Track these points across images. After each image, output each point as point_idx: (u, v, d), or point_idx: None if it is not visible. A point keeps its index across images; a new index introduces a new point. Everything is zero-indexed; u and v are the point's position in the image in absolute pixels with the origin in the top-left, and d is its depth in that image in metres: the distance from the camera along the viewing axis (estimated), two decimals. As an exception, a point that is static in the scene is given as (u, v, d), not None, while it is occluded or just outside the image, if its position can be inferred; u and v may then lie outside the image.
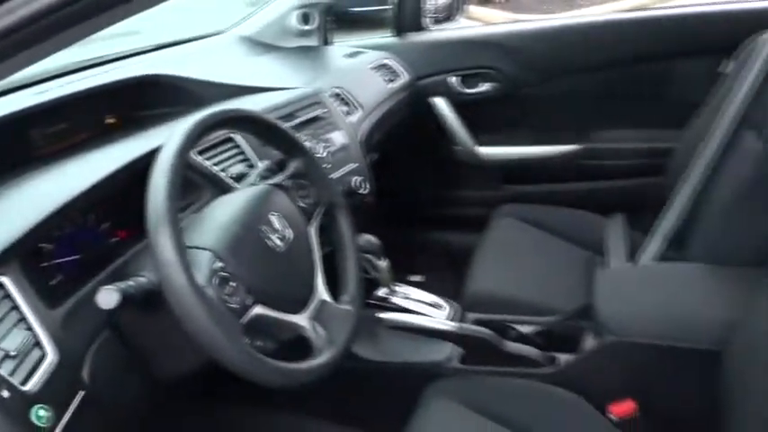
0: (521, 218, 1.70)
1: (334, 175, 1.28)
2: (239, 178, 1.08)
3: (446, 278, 1.90)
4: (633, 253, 1.47)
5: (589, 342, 1.19)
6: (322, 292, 0.91)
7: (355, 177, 1.31)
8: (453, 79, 1.92)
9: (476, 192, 1.98)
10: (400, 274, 1.94)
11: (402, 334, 1.24)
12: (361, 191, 1.31)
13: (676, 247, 1.31)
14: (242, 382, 1.28)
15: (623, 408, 1.07)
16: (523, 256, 1.55)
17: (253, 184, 0.99)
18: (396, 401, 1.18)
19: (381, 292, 1.33)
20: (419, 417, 1.08)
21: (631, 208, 1.71)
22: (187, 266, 0.70)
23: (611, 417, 1.08)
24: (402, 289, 1.35)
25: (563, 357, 1.17)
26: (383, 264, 1.29)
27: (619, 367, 1.09)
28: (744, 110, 1.29)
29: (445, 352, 1.22)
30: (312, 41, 1.90)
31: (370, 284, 1.32)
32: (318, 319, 0.88)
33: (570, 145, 1.88)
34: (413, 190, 2.05)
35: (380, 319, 1.21)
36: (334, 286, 0.97)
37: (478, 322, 1.32)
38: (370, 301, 1.32)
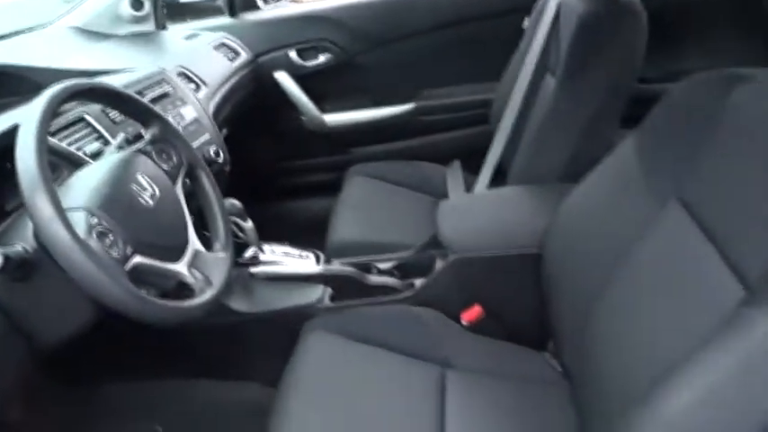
0: (370, 175, 1.86)
1: (190, 147, 1.34)
2: (95, 155, 1.12)
3: (309, 243, 2.02)
4: (469, 189, 1.68)
5: (439, 265, 1.37)
6: (195, 242, 0.99)
7: (210, 147, 1.38)
8: (292, 53, 2.03)
9: (327, 158, 2.12)
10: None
11: (274, 284, 1.34)
12: (218, 160, 1.39)
13: (502, 177, 1.53)
14: (125, 356, 1.32)
15: (472, 314, 1.26)
16: (377, 206, 1.71)
17: (112, 156, 1.03)
18: (277, 347, 1.28)
19: (250, 252, 1.42)
20: (299, 352, 1.19)
21: (466, 154, 1.93)
22: (68, 221, 0.75)
23: (464, 323, 1.26)
24: (269, 247, 1.45)
25: (419, 281, 1.33)
26: (248, 225, 1.38)
27: (464, 280, 1.28)
28: (540, 57, 1.53)
29: (316, 294, 1.34)
30: (147, 27, 1.92)
31: (238, 247, 1.40)
32: (195, 266, 0.96)
33: (406, 104, 2.07)
34: (266, 163, 2.14)
35: (252, 274, 1.30)
36: (209, 241, 1.05)
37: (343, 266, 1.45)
38: (240, 262, 1.40)
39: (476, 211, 1.34)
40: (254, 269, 1.30)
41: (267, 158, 2.14)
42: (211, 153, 1.37)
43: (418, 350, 1.19)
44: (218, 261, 1.01)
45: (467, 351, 1.21)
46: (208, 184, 1.09)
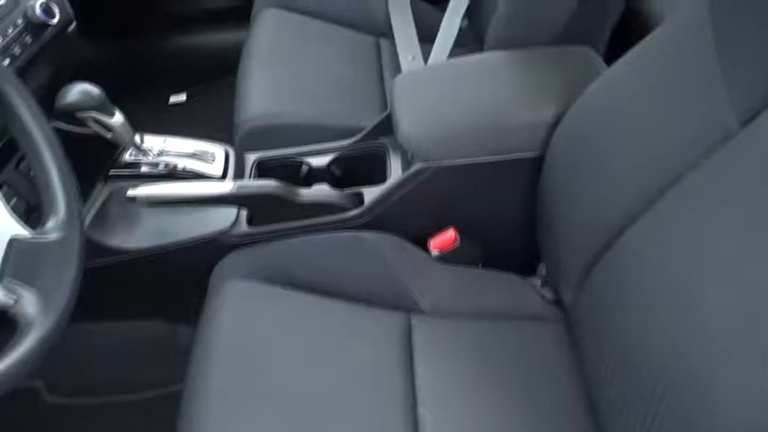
0: (288, 6, 1.38)
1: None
2: None
3: (211, 90, 1.58)
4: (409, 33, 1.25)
5: (395, 163, 1.00)
6: (5, 221, 0.58)
7: (34, 3, 0.87)
8: None
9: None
10: (158, 94, 1.58)
11: (167, 210, 0.94)
12: (51, 20, 0.89)
13: (477, 28, 1.10)
14: None
15: (444, 240, 0.93)
16: (300, 59, 1.26)
17: None
18: (181, 284, 0.95)
19: (127, 156, 1.00)
20: (211, 310, 0.85)
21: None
22: None
23: (433, 251, 0.94)
24: (153, 143, 1.02)
25: (369, 192, 0.97)
26: (117, 120, 0.94)
27: (435, 195, 0.93)
28: None
29: (228, 217, 0.96)
30: None
31: (108, 150, 0.98)
32: (9, 270, 0.56)
33: None
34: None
35: (134, 198, 0.89)
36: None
37: (261, 166, 1.06)
38: (114, 173, 0.99)
39: (449, 95, 0.93)
40: (133, 191, 0.89)
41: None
42: (37, 12, 0.87)
43: (374, 294, 0.88)
44: (56, 251, 0.61)
45: (438, 289, 0.91)
46: (21, 106, 0.64)
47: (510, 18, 0.98)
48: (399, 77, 0.98)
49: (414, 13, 1.33)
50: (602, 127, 0.78)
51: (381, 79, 1.24)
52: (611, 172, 0.76)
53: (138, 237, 0.96)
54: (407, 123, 0.90)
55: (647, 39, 0.75)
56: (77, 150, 0.98)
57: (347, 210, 0.96)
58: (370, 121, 1.07)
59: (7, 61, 0.83)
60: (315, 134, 1.08)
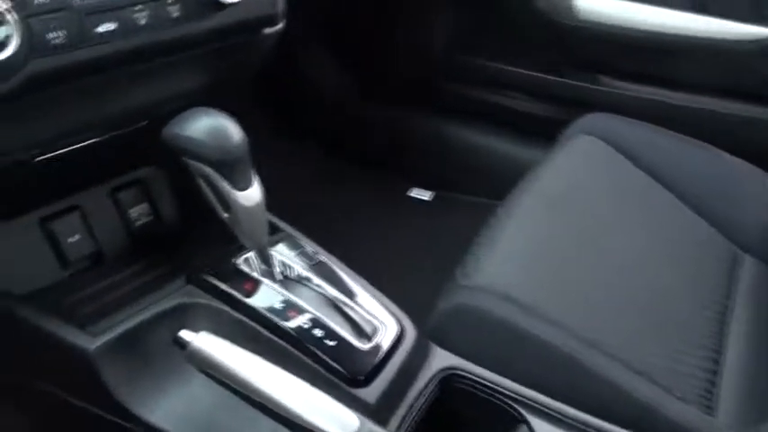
0: (615, 143, 0.90)
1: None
2: None
3: (464, 206, 1.21)
4: None
5: None
6: None
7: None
8: None
9: (544, 74, 1.12)
10: (401, 182, 1.31)
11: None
12: (275, 23, 0.50)
13: None
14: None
15: None
16: (598, 229, 0.75)
17: None
18: None
19: (241, 259, 0.57)
20: None
21: None
22: None
23: None
24: (294, 258, 0.57)
25: None
26: (247, 196, 0.51)
27: None
28: None
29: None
30: None
31: (222, 234, 0.56)
32: None
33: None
34: (426, 42, 1.22)
35: (184, 345, 0.44)
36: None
37: (447, 383, 0.55)
38: (207, 278, 0.56)
39: None
40: (187, 334, 0.44)
41: (429, 35, 1.20)
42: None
43: None
44: None
45: None
46: None
47: None
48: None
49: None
50: None
51: (722, 333, 0.66)
52: None
53: (170, 409, 0.51)
54: None
55: None
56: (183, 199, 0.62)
57: None
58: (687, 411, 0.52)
59: (115, 26, 0.46)
60: (569, 379, 0.55)
